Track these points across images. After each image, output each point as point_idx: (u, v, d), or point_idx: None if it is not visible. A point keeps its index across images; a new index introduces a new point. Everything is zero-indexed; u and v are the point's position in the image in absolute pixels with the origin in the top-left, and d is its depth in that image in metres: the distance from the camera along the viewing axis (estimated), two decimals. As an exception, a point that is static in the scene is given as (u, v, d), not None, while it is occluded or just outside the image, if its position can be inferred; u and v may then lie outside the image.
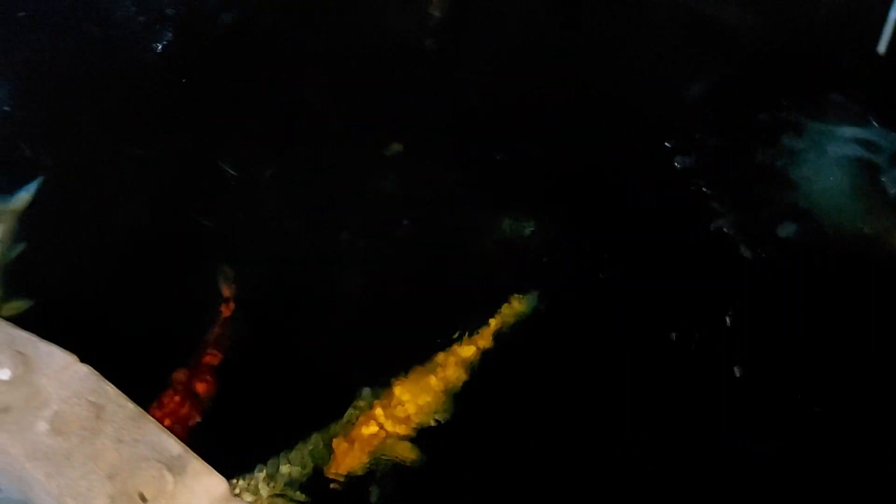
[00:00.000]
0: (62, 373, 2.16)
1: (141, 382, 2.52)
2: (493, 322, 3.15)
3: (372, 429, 2.84)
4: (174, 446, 2.04)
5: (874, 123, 3.87)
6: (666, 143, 3.82)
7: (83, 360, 2.35)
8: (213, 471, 2.03)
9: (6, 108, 3.86)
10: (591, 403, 2.97)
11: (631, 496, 2.77)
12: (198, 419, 2.84)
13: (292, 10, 4.52)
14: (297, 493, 2.72)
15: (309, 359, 3.05)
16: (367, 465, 2.80)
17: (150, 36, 4.21)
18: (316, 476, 2.77)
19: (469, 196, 3.67)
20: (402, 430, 2.87)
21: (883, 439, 2.88)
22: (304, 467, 2.76)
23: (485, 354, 3.08)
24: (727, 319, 3.20)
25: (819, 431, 2.90)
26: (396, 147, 3.83)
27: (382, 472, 2.79)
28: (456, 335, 3.11)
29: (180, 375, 2.93)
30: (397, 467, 2.80)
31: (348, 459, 2.79)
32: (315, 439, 2.84)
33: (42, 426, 2.04)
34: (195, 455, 2.04)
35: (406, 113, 4.03)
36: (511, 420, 2.93)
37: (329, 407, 2.93)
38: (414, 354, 3.06)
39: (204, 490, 1.98)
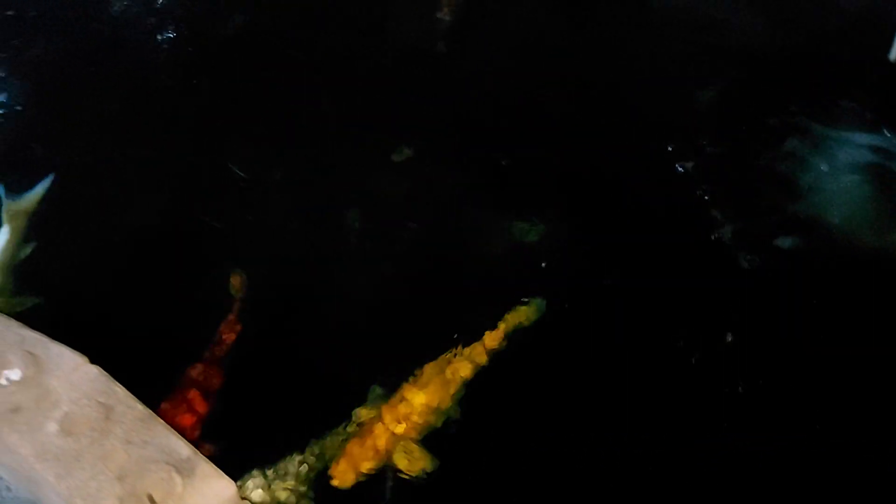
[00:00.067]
0: (72, 374, 2.18)
1: (149, 383, 2.54)
2: (500, 325, 3.15)
3: (379, 430, 2.85)
4: (183, 448, 2.06)
5: (885, 132, 3.85)
6: (668, 147, 3.81)
7: (92, 359, 2.36)
8: (222, 473, 2.04)
9: (18, 108, 3.87)
10: (596, 405, 2.97)
11: (634, 497, 2.77)
12: (206, 417, 2.84)
13: (301, 12, 4.52)
14: (305, 494, 2.72)
15: (316, 360, 3.05)
16: (375, 467, 2.80)
17: (159, 37, 4.23)
18: (323, 477, 2.77)
19: (476, 199, 3.67)
20: (409, 431, 2.87)
21: (883, 440, 2.88)
22: (311, 469, 2.77)
23: (493, 357, 3.08)
24: (730, 322, 3.19)
25: (819, 432, 2.90)
26: (406, 152, 3.83)
27: (390, 474, 2.79)
28: (464, 338, 3.11)
29: (193, 371, 2.93)
30: (405, 469, 2.80)
31: (356, 461, 2.79)
32: (323, 441, 2.84)
33: (52, 427, 2.05)
34: (204, 457, 2.06)
35: (414, 116, 4.02)
36: (518, 422, 2.93)
37: (336, 408, 2.94)
38: (422, 356, 3.06)
39: (213, 493, 1.99)
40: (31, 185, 3.52)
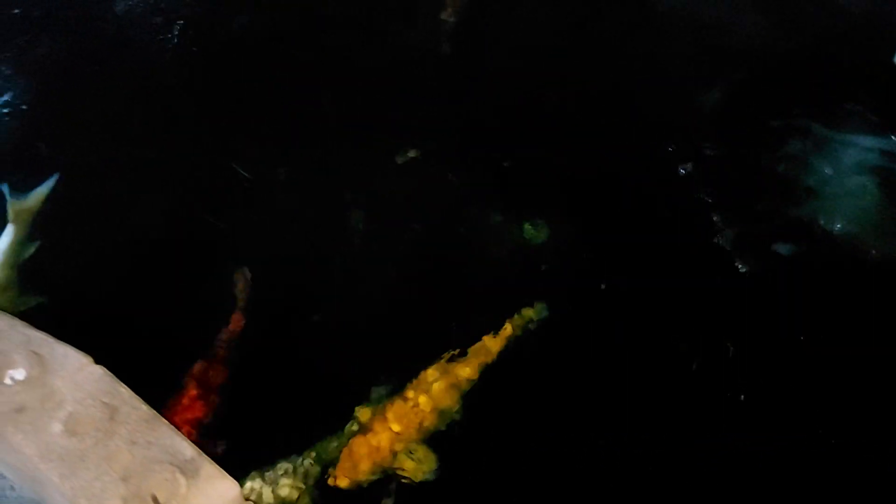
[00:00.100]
0: (77, 374, 2.18)
1: (154, 383, 2.55)
2: (506, 326, 3.16)
3: (382, 431, 2.85)
4: (187, 449, 2.06)
5: (892, 136, 3.84)
6: (670, 148, 3.81)
7: (95, 358, 2.37)
8: (226, 474, 2.04)
9: (23, 107, 3.87)
10: (599, 408, 2.98)
11: (639, 499, 2.77)
12: (210, 416, 2.84)
13: (305, 13, 4.52)
14: (307, 495, 2.73)
15: (319, 360, 3.06)
16: (377, 468, 2.80)
17: (164, 37, 4.23)
18: (325, 478, 2.77)
19: (479, 200, 3.67)
20: (412, 432, 2.87)
21: (882, 441, 2.88)
22: (313, 469, 2.77)
23: (496, 359, 3.08)
24: (734, 326, 3.20)
25: (818, 433, 2.90)
26: (410, 153, 3.83)
27: (393, 476, 2.79)
28: (467, 339, 3.11)
29: (196, 369, 2.94)
30: (408, 471, 2.81)
31: (358, 462, 2.79)
32: (325, 441, 2.84)
33: (57, 427, 2.06)
34: (208, 458, 2.06)
35: (417, 117, 4.03)
36: (522, 424, 2.93)
37: (339, 409, 2.94)
38: (425, 357, 3.06)
39: (217, 494, 1.99)
40: (35, 184, 3.52)
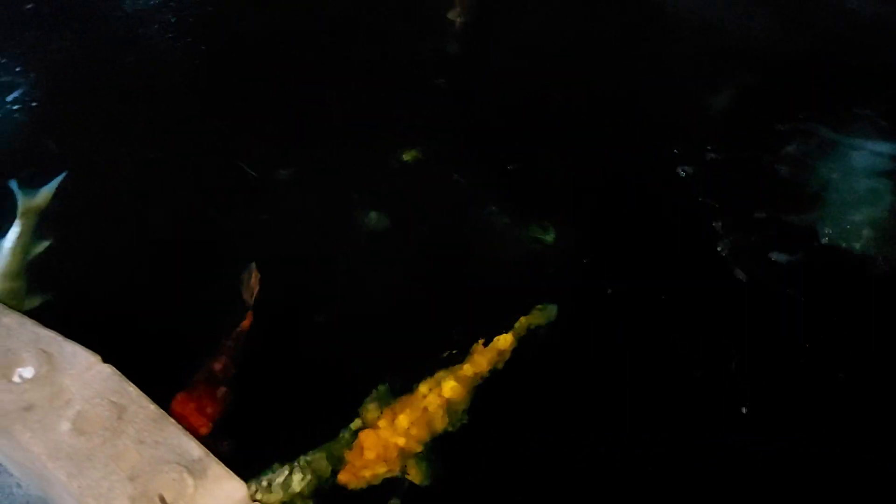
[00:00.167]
0: (85, 373, 2.18)
1: (161, 382, 2.55)
2: (515, 327, 3.16)
3: (388, 432, 2.85)
4: (195, 449, 2.06)
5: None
6: (675, 151, 3.80)
7: (103, 357, 2.37)
8: (233, 475, 2.04)
9: (33, 104, 3.88)
10: (606, 410, 2.97)
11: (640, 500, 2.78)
12: (217, 415, 2.84)
13: (312, 12, 4.53)
14: (313, 495, 2.72)
15: (324, 360, 3.05)
16: (383, 469, 2.80)
17: (172, 35, 4.24)
18: (331, 480, 2.77)
19: (486, 202, 3.67)
20: (418, 433, 2.87)
21: (882, 442, 2.88)
22: (321, 470, 2.77)
23: (505, 361, 3.08)
24: (740, 329, 3.19)
25: (818, 434, 2.90)
26: (414, 153, 3.83)
27: (398, 476, 2.79)
28: (475, 341, 3.11)
29: (205, 366, 2.94)
30: (413, 471, 2.81)
31: (366, 462, 2.79)
32: (333, 442, 2.84)
33: (65, 426, 2.06)
34: (215, 458, 2.06)
35: (424, 118, 4.03)
36: (529, 426, 2.92)
37: (345, 409, 2.93)
38: (432, 358, 3.06)
39: (224, 494, 1.99)
40: (44, 181, 3.53)
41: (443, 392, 2.95)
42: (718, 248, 3.45)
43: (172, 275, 3.28)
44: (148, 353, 2.64)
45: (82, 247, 3.38)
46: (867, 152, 3.80)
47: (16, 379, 2.16)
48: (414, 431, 2.86)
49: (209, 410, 2.80)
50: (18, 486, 2.36)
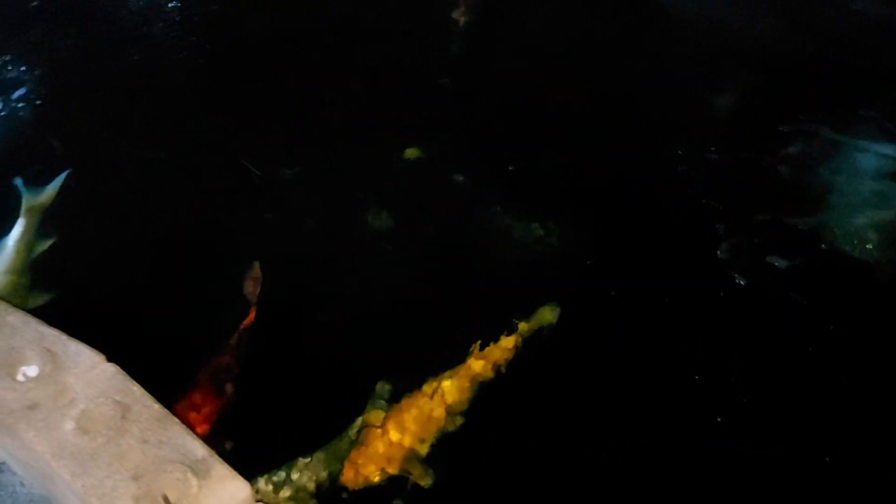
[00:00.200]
0: (89, 372, 2.18)
1: (165, 381, 2.55)
2: (519, 327, 3.16)
3: (391, 432, 2.85)
4: (199, 449, 2.05)
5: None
6: (679, 152, 3.80)
7: (108, 356, 2.36)
8: (237, 475, 2.03)
9: (37, 101, 3.89)
10: (609, 410, 2.97)
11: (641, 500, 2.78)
12: (219, 414, 2.85)
13: (316, 12, 4.53)
14: (315, 495, 2.72)
15: (328, 361, 3.06)
16: (386, 469, 2.80)
17: (177, 34, 4.24)
18: (337, 478, 2.77)
19: (489, 201, 3.67)
20: (421, 434, 2.87)
21: (884, 446, 2.88)
22: (325, 469, 2.77)
23: (508, 361, 3.08)
24: (742, 330, 3.20)
25: (820, 437, 2.91)
26: (417, 153, 3.83)
27: (400, 479, 2.79)
28: (478, 341, 3.11)
29: (209, 366, 2.94)
30: (415, 472, 2.81)
31: (367, 462, 2.79)
32: (336, 441, 2.84)
33: (69, 425, 2.05)
34: (219, 458, 2.05)
35: (427, 118, 4.03)
36: (532, 426, 2.93)
37: (348, 409, 2.94)
38: (435, 358, 3.06)
39: (227, 494, 1.98)
40: (48, 179, 3.53)
41: (446, 392, 2.95)
42: (720, 251, 3.44)
43: (176, 273, 3.29)
44: (152, 352, 2.65)
45: (86, 245, 3.38)
46: (872, 154, 3.78)
47: (20, 377, 2.15)
48: (417, 431, 2.86)
49: (212, 409, 2.80)
50: (22, 484, 2.36)
